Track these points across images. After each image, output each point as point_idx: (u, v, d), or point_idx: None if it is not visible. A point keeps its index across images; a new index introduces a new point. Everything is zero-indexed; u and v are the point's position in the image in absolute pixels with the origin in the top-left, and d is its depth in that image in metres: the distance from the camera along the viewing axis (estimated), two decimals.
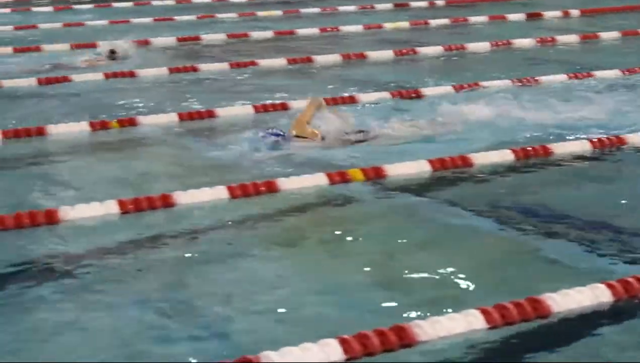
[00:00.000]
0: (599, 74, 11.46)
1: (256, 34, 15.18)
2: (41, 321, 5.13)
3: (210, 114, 9.77)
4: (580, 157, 8.17)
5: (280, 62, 12.72)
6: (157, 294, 5.45)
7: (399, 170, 7.72)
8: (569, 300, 5.10)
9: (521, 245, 6.21)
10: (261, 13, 17.54)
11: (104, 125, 9.36)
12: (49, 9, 18.80)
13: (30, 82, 11.44)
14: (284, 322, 5.11)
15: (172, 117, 9.65)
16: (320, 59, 12.82)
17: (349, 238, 6.41)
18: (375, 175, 7.60)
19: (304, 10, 17.89)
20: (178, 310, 5.23)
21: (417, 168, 7.78)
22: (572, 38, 14.45)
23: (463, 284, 5.52)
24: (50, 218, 6.62)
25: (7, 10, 18.59)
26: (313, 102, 8.78)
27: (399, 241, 6.25)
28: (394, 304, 5.28)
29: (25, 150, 8.66)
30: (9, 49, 13.84)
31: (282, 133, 8.50)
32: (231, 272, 5.83)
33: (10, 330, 5.01)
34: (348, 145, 8.54)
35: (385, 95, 10.54)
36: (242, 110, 9.97)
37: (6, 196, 7.31)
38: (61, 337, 4.95)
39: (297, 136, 8.55)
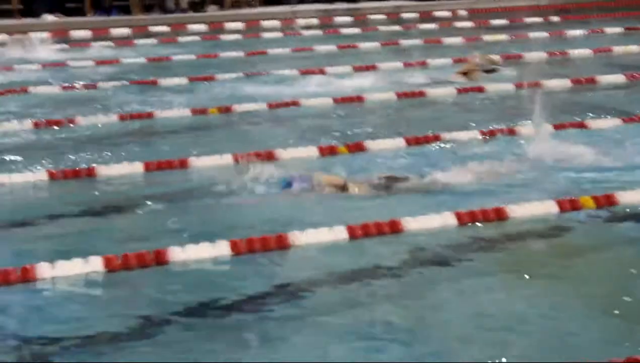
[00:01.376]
0: None
1: None
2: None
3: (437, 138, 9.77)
4: None
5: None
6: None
7: (631, 198, 7.54)
8: None
9: None
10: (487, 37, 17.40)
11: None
12: None
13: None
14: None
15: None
16: (549, 84, 12.60)
17: (579, 266, 6.30)
18: (606, 203, 7.44)
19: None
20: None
21: None
22: None
23: None
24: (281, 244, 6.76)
25: None
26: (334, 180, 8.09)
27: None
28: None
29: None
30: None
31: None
32: (465, 299, 5.83)
33: None
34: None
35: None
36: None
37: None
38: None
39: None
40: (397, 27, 19.05)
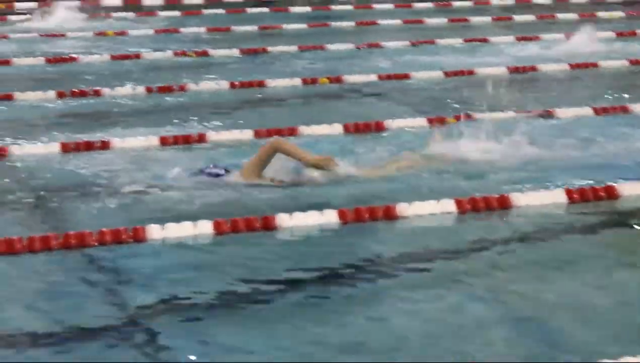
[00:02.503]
0: None
1: None
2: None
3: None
4: None
5: None
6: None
7: None
8: None
9: None
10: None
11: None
12: None
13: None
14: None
15: None
16: None
17: None
18: None
19: None
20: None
21: None
22: None
23: None
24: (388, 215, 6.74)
25: None
26: (272, 146, 7.66)
27: None
28: None
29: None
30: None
31: (223, 172, 7.59)
32: (574, 279, 5.76)
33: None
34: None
35: None
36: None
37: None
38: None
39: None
40: (510, 1, 18.79)
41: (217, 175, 7.48)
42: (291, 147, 7.63)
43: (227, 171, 7.56)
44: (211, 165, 7.62)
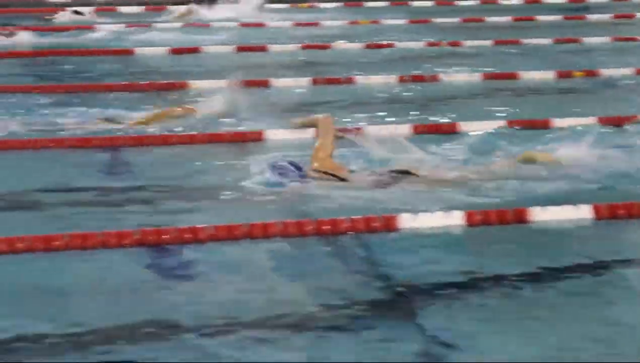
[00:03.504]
0: None
1: None
2: None
3: None
4: None
5: None
6: None
7: None
8: None
9: None
10: None
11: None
12: None
13: None
14: None
15: None
16: None
17: None
18: None
19: None
20: None
21: None
22: None
23: None
24: None
25: None
26: (326, 125, 7.27)
27: None
28: None
29: None
30: None
31: (296, 168, 7.00)
32: None
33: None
34: (380, 186, 7.01)
35: None
36: None
37: None
38: None
39: (317, 171, 7.04)
40: None
41: (292, 172, 6.95)
42: (330, 137, 7.24)
43: (298, 168, 7.00)
44: (278, 163, 7.05)
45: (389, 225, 6.27)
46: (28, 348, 4.60)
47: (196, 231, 6.02)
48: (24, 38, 13.71)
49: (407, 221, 6.29)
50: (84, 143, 8.31)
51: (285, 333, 4.79)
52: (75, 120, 9.02)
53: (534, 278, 5.51)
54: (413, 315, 5.01)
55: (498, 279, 5.47)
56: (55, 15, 15.78)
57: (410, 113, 9.46)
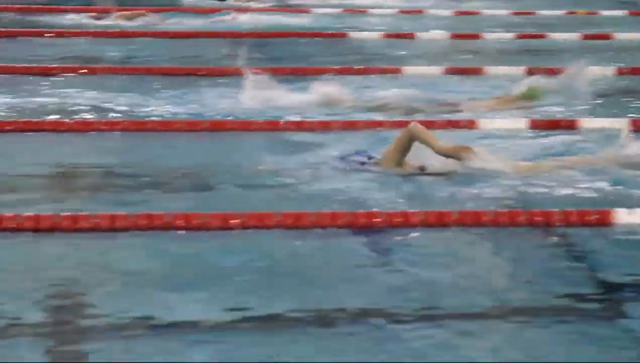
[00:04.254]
0: None
1: None
2: None
3: None
4: None
5: None
6: None
7: None
8: None
9: None
10: None
11: None
12: None
13: None
14: None
15: None
16: None
17: None
18: None
19: None
20: None
21: None
22: None
23: None
24: None
25: None
26: (409, 132, 7.24)
27: None
28: None
29: None
30: None
31: (367, 159, 7.28)
32: None
33: None
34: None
35: None
36: None
37: None
38: None
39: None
40: None
41: (362, 163, 7.28)
42: (427, 134, 7.28)
43: (370, 158, 7.33)
44: (355, 152, 7.41)
45: (603, 220, 6.17)
46: None
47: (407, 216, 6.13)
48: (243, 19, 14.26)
49: (622, 216, 6.19)
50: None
51: (487, 323, 4.83)
52: None
53: None
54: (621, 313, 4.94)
55: None
56: None
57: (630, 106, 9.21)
